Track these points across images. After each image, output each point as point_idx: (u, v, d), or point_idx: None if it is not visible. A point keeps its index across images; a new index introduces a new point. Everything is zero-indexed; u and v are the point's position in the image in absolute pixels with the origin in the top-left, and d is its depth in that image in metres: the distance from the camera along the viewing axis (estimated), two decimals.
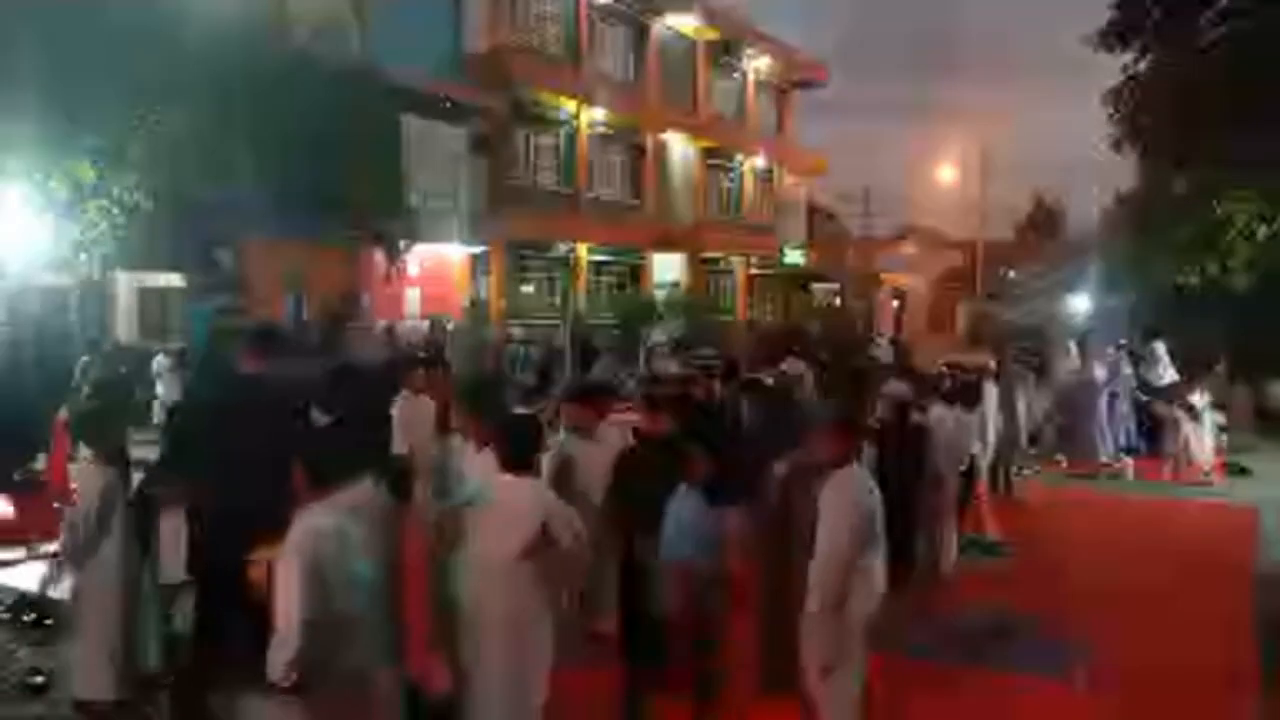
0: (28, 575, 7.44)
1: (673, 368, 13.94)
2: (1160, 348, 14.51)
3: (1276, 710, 5.77)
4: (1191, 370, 14.08)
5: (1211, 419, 13.06)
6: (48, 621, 6.38)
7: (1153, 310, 19.10)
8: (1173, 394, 13.39)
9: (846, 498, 4.44)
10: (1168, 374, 14.17)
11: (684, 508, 5.13)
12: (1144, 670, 6.21)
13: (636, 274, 30.52)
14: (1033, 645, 6.62)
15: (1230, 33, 16.11)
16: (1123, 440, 13.53)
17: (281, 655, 3.38)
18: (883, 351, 18.18)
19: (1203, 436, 12.92)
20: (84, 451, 5.33)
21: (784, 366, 10.04)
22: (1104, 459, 13.15)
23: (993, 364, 11.59)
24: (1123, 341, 14.91)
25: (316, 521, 3.51)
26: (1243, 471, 13.30)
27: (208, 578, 4.89)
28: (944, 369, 10.34)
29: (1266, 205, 16.52)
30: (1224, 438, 13.85)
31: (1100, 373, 13.52)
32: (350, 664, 3.55)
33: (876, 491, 4.55)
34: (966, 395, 8.77)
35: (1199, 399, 12.92)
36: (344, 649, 3.51)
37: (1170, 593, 7.83)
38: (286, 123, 15.63)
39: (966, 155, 41.11)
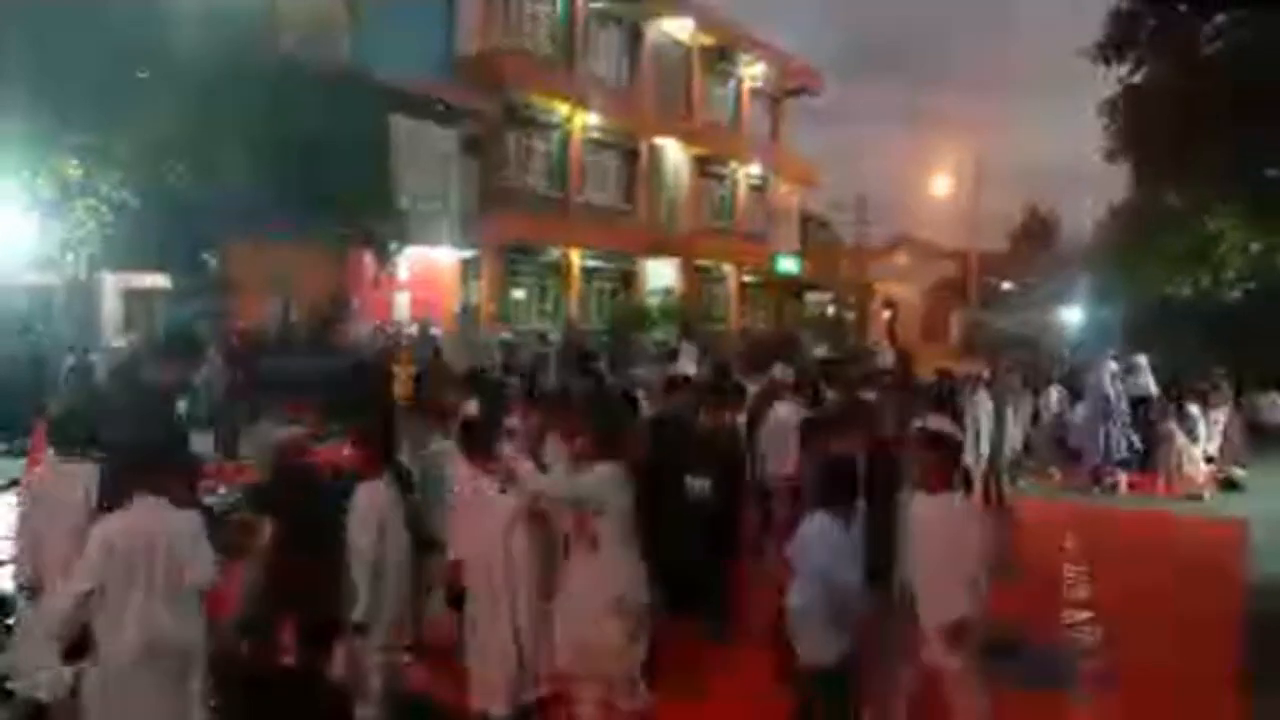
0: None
1: (690, 369, 13.85)
2: (1143, 360, 14.49)
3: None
4: (1183, 383, 14.03)
5: (1206, 432, 13.01)
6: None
7: (1145, 322, 19.07)
8: (1166, 407, 13.34)
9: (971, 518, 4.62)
10: (1149, 386, 14.16)
11: (830, 528, 4.61)
12: (1139, 681, 6.16)
13: (629, 280, 30.44)
14: (1027, 656, 6.54)
15: (1227, 47, 16.10)
16: (1116, 453, 13.46)
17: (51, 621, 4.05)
18: (885, 361, 18.05)
19: (1195, 450, 12.87)
20: (61, 451, 5.28)
21: (774, 372, 9.94)
22: (1102, 471, 13.08)
23: (985, 373, 11.52)
24: (1120, 354, 14.87)
25: (112, 528, 4.09)
26: (1233, 486, 13.24)
27: None
28: (936, 375, 10.28)
29: (1260, 218, 16.50)
30: (1215, 451, 13.80)
31: (1095, 382, 13.47)
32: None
33: None
34: (951, 403, 8.72)
35: (1194, 412, 12.88)
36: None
37: (1164, 605, 7.76)
38: (276, 123, 15.51)
39: (960, 165, 41.14)
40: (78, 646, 4.05)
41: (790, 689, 4.70)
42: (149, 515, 4.14)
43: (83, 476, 5.01)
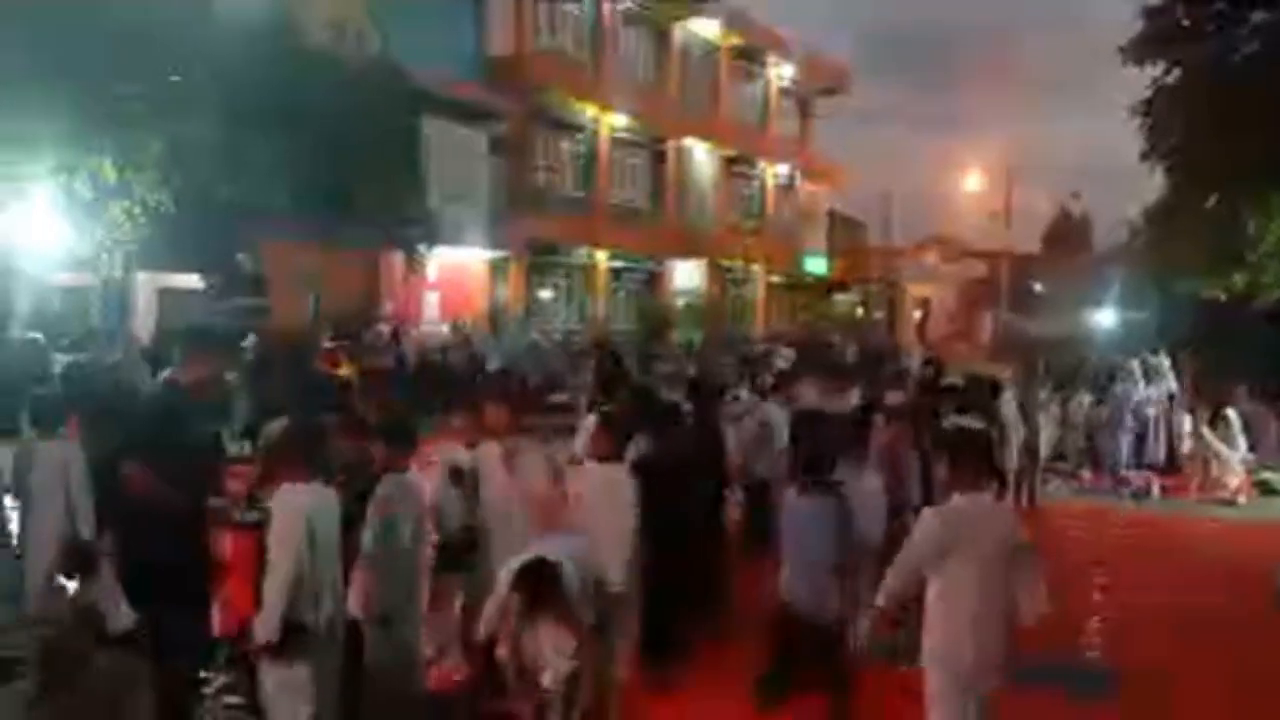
0: None
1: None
2: (1165, 362, 14.38)
3: None
4: (1219, 387, 13.86)
5: (1241, 437, 12.83)
6: None
7: (1178, 324, 18.83)
8: (1197, 410, 13.21)
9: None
10: (1172, 389, 14.09)
11: (808, 506, 5.22)
12: (1167, 687, 6.12)
13: (656, 281, 30.43)
14: (1054, 661, 6.48)
15: (1264, 46, 15.85)
16: (1146, 457, 13.34)
17: (266, 616, 4.18)
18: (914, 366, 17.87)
19: (1230, 454, 12.70)
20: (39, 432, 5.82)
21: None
22: (1129, 474, 12.96)
23: (1009, 374, 11.48)
24: (1146, 357, 14.72)
25: (295, 499, 4.34)
26: (1270, 490, 13.05)
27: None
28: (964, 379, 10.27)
29: None
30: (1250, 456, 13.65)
31: (1121, 386, 13.39)
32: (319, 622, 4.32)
33: None
34: (979, 403, 8.74)
35: (1231, 417, 12.70)
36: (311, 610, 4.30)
37: (1195, 610, 7.68)
38: (307, 124, 15.61)
39: (993, 165, 40.82)
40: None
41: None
42: (315, 498, 4.42)
43: (59, 454, 5.51)
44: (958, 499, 4.53)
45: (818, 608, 5.11)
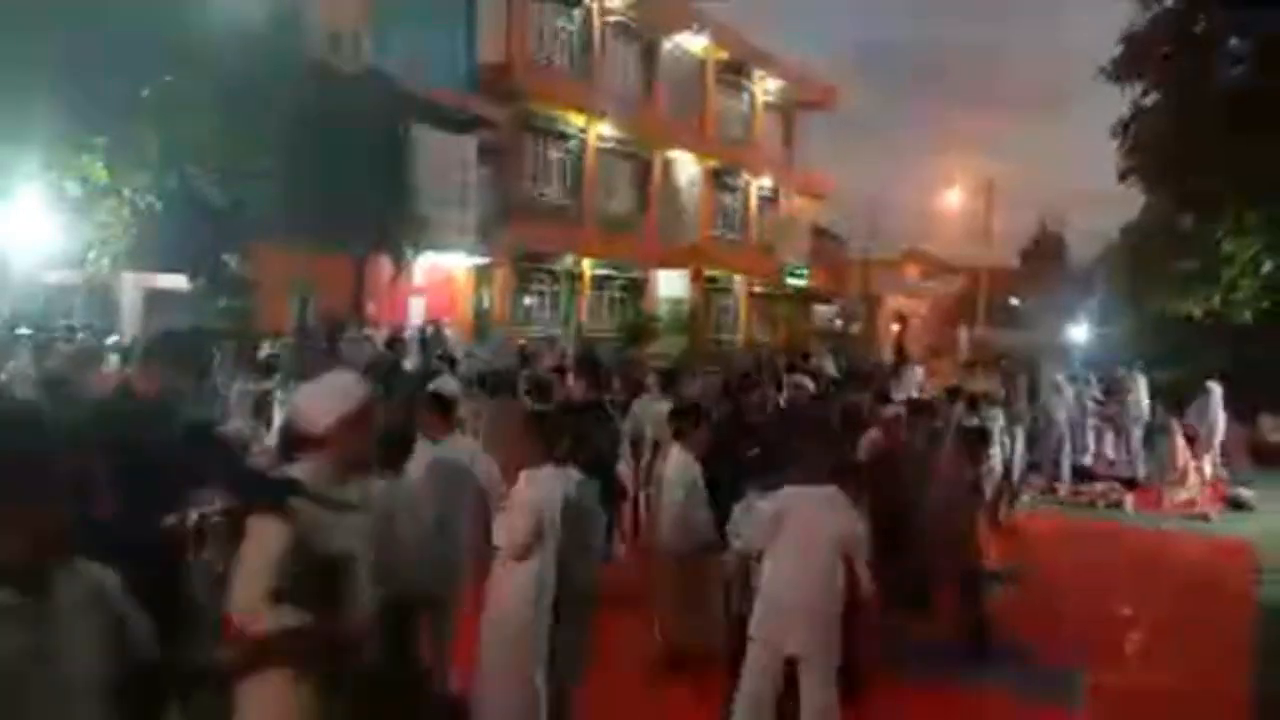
0: None
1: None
2: (1140, 377, 14.65)
3: None
4: (1192, 402, 14.13)
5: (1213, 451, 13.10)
6: None
7: (1153, 341, 19.16)
8: (1167, 424, 13.46)
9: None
10: (1144, 402, 14.37)
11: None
12: (1138, 698, 6.24)
13: (639, 289, 30.58)
14: (1029, 672, 6.63)
15: (1241, 73, 16.21)
16: (1122, 469, 13.58)
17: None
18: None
19: (1201, 469, 12.95)
20: None
21: (795, 379, 10.21)
22: (1102, 486, 13.18)
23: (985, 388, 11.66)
24: (1119, 371, 14.98)
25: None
26: (1240, 505, 13.30)
27: None
28: (945, 392, 10.42)
29: (1273, 240, 16.56)
30: (1222, 470, 13.91)
31: (1067, 401, 13.69)
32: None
33: None
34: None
35: (1202, 431, 12.96)
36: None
37: (1166, 623, 7.85)
38: (299, 128, 15.66)
39: (973, 181, 41.22)
40: None
41: None
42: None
43: None
44: (788, 487, 4.82)
45: None
